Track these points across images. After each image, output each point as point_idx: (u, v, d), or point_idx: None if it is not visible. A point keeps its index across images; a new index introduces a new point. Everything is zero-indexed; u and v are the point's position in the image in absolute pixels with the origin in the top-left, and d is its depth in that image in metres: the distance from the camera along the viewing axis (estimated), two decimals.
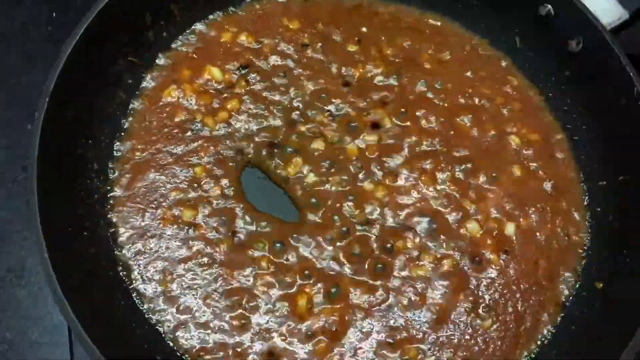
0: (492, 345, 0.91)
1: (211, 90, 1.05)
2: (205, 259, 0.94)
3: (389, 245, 0.95)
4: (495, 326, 0.92)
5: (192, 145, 1.01)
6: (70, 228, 0.88)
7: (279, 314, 0.91)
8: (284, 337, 0.90)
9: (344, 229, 0.96)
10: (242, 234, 0.95)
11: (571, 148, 1.06)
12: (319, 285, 0.92)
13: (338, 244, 0.95)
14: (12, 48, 1.21)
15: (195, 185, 0.98)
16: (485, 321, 0.92)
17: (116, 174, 0.98)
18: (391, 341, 0.90)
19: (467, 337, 0.91)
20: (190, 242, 0.94)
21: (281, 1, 1.13)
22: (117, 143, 1.00)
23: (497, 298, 0.94)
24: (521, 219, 0.99)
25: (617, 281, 0.91)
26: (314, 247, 0.94)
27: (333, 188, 0.98)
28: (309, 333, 0.90)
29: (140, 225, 0.95)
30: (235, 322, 0.90)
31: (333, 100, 1.05)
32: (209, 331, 0.90)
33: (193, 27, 1.10)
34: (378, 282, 0.93)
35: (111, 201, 0.97)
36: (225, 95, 1.04)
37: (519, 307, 0.94)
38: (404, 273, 0.94)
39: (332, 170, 1.00)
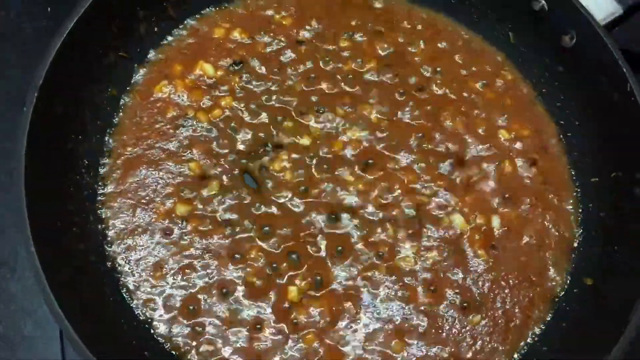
0: (480, 341, 0.91)
1: (203, 86, 1.05)
2: (198, 253, 0.93)
3: (371, 238, 0.95)
4: (484, 322, 0.92)
5: (185, 141, 1.00)
6: (59, 223, 0.88)
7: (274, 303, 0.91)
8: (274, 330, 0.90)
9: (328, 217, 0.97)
10: (236, 227, 0.95)
11: (564, 144, 1.05)
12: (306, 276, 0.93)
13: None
14: (7, 42, 1.21)
15: (190, 180, 0.98)
16: (473, 317, 0.92)
17: (107, 169, 0.98)
18: (379, 334, 0.91)
19: (455, 332, 0.91)
20: (184, 237, 0.94)
21: None
22: (108, 138, 1.00)
23: (485, 293, 0.94)
24: (510, 214, 0.99)
25: (608, 278, 0.91)
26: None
27: (317, 177, 0.99)
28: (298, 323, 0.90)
29: (132, 221, 0.95)
30: (226, 315, 0.90)
31: (323, 96, 1.05)
32: (200, 328, 0.90)
33: (185, 22, 1.10)
34: (362, 272, 0.93)
35: (101, 197, 0.97)
36: (217, 91, 1.04)
37: (509, 303, 0.94)
38: (389, 264, 0.94)
39: (316, 164, 1.00)
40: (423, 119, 1.04)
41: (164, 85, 1.04)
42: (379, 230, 0.96)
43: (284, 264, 0.93)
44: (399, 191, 0.99)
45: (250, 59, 1.07)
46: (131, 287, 0.92)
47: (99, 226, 0.95)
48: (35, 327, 1.02)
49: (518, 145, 1.04)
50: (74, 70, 0.93)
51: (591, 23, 0.96)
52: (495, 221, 0.98)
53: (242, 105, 1.03)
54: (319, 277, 0.92)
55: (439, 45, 1.11)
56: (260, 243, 0.94)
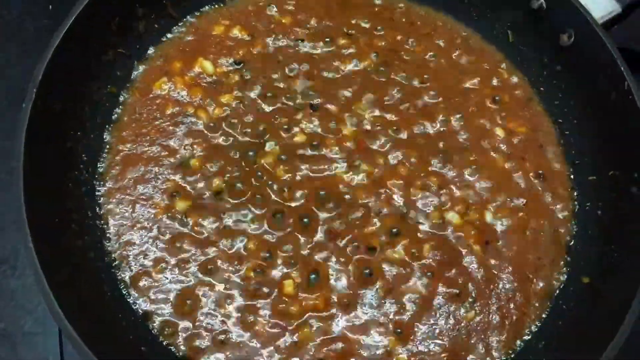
0: (475, 337, 0.91)
1: (202, 84, 1.05)
2: (196, 249, 0.94)
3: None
4: (478, 318, 0.92)
5: (184, 138, 1.01)
6: (57, 220, 0.88)
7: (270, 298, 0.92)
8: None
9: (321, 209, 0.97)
10: (235, 222, 0.96)
11: (562, 142, 1.06)
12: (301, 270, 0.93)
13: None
14: (8, 41, 1.22)
15: (190, 178, 0.98)
16: (468, 312, 0.92)
17: (106, 165, 0.99)
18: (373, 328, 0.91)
19: (449, 327, 0.91)
20: (183, 232, 0.95)
21: None
22: (107, 135, 1.00)
23: (480, 289, 0.94)
24: (506, 211, 0.99)
25: (605, 276, 0.91)
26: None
27: (309, 175, 0.99)
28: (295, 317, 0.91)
29: (131, 217, 0.95)
30: (224, 311, 0.91)
31: (321, 94, 1.05)
32: (197, 322, 0.90)
33: (185, 19, 1.10)
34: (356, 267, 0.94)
35: (100, 193, 0.97)
36: (217, 88, 1.05)
37: (504, 300, 0.94)
38: (381, 257, 0.94)
39: (311, 161, 1.00)
40: (418, 116, 1.04)
41: (163, 82, 1.04)
42: (371, 223, 0.96)
43: (279, 260, 0.93)
44: (392, 186, 0.99)
45: (250, 56, 1.07)
46: (129, 282, 0.92)
47: (98, 222, 0.95)
48: (35, 324, 1.02)
49: (514, 142, 1.04)
50: (73, 67, 0.93)
51: (589, 21, 0.97)
52: (489, 217, 0.98)
53: (241, 102, 1.04)
54: (313, 274, 0.93)
55: (436, 42, 1.11)
56: (254, 232, 0.95)
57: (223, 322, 0.90)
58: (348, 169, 0.99)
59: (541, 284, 0.96)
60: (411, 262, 0.94)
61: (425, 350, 0.90)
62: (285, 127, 1.02)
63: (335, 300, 0.91)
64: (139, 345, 0.87)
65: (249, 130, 1.02)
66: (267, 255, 0.93)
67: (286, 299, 0.91)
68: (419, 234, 0.96)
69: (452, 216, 0.97)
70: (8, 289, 1.04)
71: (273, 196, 0.97)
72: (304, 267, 0.93)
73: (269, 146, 1.01)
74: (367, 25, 1.11)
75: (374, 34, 1.11)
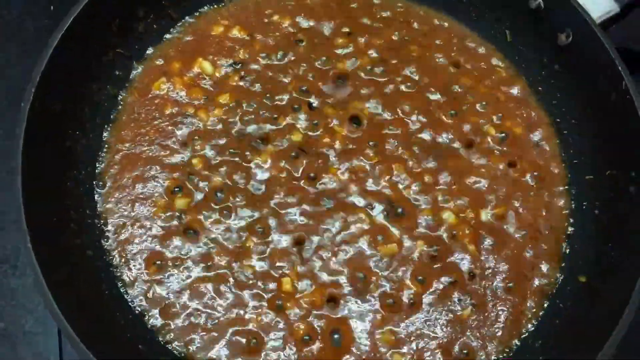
0: (471, 335, 0.91)
1: (202, 84, 1.05)
2: (195, 247, 0.94)
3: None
4: (474, 316, 0.92)
5: (183, 138, 1.01)
6: (56, 219, 0.89)
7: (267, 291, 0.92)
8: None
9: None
10: (234, 220, 0.96)
11: (559, 141, 1.06)
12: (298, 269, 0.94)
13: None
14: (8, 41, 1.22)
15: (189, 177, 0.99)
16: (464, 310, 0.92)
17: (105, 165, 0.99)
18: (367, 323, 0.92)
19: (444, 324, 0.92)
20: (182, 231, 0.95)
21: None
22: (106, 135, 1.01)
23: (476, 287, 0.94)
24: (502, 210, 0.99)
25: (602, 276, 0.92)
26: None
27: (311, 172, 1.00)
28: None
29: (129, 216, 0.96)
30: (221, 307, 0.91)
31: (318, 94, 1.06)
32: (197, 320, 0.91)
33: (184, 20, 1.11)
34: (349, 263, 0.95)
35: (99, 192, 0.98)
36: (216, 88, 1.05)
37: (500, 298, 0.94)
38: (371, 252, 0.95)
39: (308, 160, 1.01)
40: (414, 113, 1.05)
41: (162, 82, 1.05)
42: (362, 217, 0.97)
43: (276, 259, 0.94)
44: (385, 183, 1.00)
45: (249, 56, 1.08)
46: (127, 280, 0.93)
47: (97, 221, 0.96)
48: (35, 324, 1.03)
49: (511, 141, 1.04)
50: (72, 67, 0.94)
51: (587, 21, 0.97)
52: (485, 216, 0.98)
53: (240, 102, 1.04)
54: (309, 272, 0.94)
55: (435, 42, 1.12)
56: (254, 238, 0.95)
57: (221, 319, 0.90)
58: (339, 165, 1.00)
59: (537, 283, 0.96)
60: (406, 258, 0.95)
61: (420, 347, 0.90)
62: (283, 125, 1.03)
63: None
64: (137, 343, 0.88)
65: (248, 129, 1.02)
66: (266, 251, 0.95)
67: (284, 295, 0.92)
68: (414, 232, 0.97)
69: (448, 215, 0.98)
70: (8, 288, 1.05)
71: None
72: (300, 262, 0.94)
73: (267, 145, 1.01)
74: (365, 25, 1.12)
75: (372, 33, 1.11)
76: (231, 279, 0.92)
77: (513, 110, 1.07)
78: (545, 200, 1.01)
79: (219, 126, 1.02)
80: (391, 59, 1.09)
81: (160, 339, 0.90)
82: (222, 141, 1.01)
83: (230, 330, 0.90)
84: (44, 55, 0.89)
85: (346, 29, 1.11)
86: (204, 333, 0.90)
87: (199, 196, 0.97)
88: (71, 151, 0.95)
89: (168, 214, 0.96)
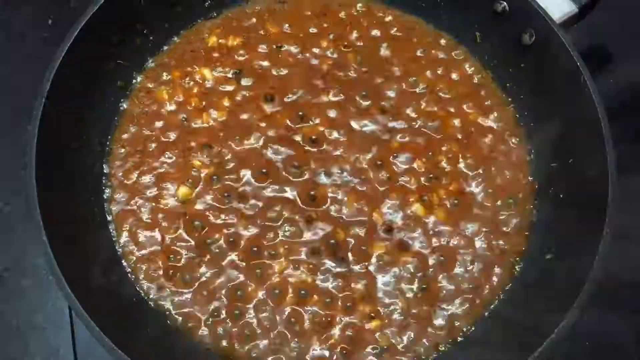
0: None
1: (202, 91, 1.08)
2: (201, 242, 0.99)
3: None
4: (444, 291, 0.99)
5: (185, 144, 1.04)
6: (67, 221, 0.91)
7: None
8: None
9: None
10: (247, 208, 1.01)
11: (525, 134, 1.11)
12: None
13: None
14: (11, 52, 1.26)
15: (192, 180, 1.02)
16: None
17: (108, 172, 1.03)
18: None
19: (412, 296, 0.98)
20: (189, 221, 1.00)
21: (264, 7, 1.17)
22: (109, 143, 1.05)
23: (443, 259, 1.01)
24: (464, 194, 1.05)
25: (564, 252, 0.97)
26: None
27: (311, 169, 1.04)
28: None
29: (137, 216, 1.00)
30: (227, 302, 0.96)
31: (312, 93, 1.10)
32: (204, 306, 0.95)
33: (181, 32, 1.14)
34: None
35: (106, 196, 1.02)
36: (215, 96, 1.08)
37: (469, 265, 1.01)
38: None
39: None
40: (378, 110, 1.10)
41: (163, 90, 1.08)
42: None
43: (275, 247, 0.99)
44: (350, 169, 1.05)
45: (246, 64, 1.11)
46: (138, 274, 0.98)
47: (106, 219, 1.01)
48: (46, 320, 1.06)
49: (473, 132, 1.10)
50: (75, 79, 0.96)
51: (546, 21, 1.01)
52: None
53: (240, 107, 1.07)
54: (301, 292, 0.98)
55: (410, 43, 1.16)
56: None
57: (243, 314, 0.96)
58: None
59: (499, 270, 1.02)
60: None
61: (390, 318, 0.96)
62: (284, 127, 1.07)
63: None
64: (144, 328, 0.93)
65: (248, 135, 1.05)
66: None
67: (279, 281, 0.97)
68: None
69: (417, 208, 1.03)
70: (20, 286, 1.08)
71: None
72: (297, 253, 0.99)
73: (268, 147, 1.05)
74: (346, 28, 1.16)
75: (352, 35, 1.15)
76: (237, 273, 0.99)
77: (480, 104, 1.12)
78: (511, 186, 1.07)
79: (220, 131, 1.06)
80: (366, 58, 1.14)
81: (171, 324, 0.96)
82: (223, 146, 1.05)
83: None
84: (51, 67, 0.91)
85: (329, 34, 1.15)
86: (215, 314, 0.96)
87: (201, 198, 1.02)
88: (78, 156, 0.99)
89: (173, 214, 1.00)
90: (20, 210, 1.13)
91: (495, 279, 1.00)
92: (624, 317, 1.09)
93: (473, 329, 0.98)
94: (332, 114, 1.08)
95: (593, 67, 0.99)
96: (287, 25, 1.15)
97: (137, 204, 1.01)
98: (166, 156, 1.04)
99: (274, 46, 1.13)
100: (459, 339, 0.97)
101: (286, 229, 1.00)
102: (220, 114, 1.07)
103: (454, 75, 1.14)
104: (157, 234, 0.99)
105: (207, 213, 1.00)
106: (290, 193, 1.02)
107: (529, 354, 0.83)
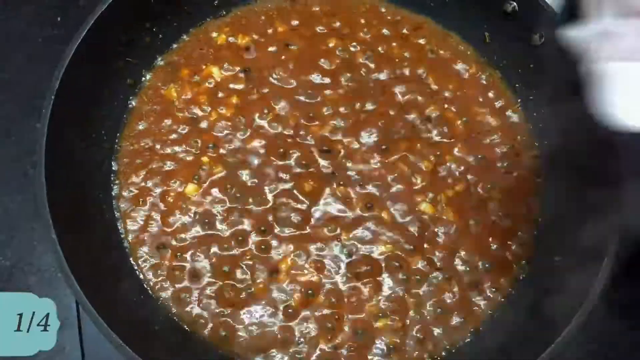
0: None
1: (211, 88, 1.09)
2: (210, 241, 0.99)
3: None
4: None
5: (194, 141, 1.05)
6: (76, 218, 0.92)
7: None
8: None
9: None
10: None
11: (534, 135, 1.11)
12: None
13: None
14: (17, 51, 1.25)
15: (200, 178, 1.03)
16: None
17: (117, 170, 1.03)
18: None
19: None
20: (198, 217, 1.00)
21: (273, 6, 1.17)
22: (118, 141, 1.05)
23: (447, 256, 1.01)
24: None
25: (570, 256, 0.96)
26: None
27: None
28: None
29: (144, 214, 1.01)
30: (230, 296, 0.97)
31: (315, 90, 1.10)
32: (210, 300, 0.96)
33: (190, 30, 1.14)
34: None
35: (114, 194, 1.03)
36: (224, 93, 1.08)
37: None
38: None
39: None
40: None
41: (172, 88, 1.08)
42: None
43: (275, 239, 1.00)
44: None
45: (255, 62, 1.11)
46: (147, 273, 0.99)
47: (113, 215, 1.01)
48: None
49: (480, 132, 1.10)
50: (85, 76, 0.95)
51: (555, 21, 1.01)
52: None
53: (248, 104, 1.07)
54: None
55: (417, 41, 1.16)
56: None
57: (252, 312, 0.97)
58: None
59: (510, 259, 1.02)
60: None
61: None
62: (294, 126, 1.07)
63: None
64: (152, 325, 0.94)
65: (259, 131, 1.06)
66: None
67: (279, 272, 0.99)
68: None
69: (425, 207, 1.03)
70: (26, 284, 1.09)
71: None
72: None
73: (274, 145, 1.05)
74: (355, 26, 1.16)
75: (361, 33, 1.15)
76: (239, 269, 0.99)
77: (491, 108, 1.12)
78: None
79: (229, 129, 1.06)
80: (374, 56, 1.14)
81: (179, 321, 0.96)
82: (232, 143, 1.06)
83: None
84: (60, 66, 0.91)
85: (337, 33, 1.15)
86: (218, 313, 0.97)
87: (208, 194, 1.02)
88: (87, 155, 0.99)
89: (181, 212, 1.01)
90: (26, 208, 1.13)
91: (502, 280, 1.01)
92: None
93: (481, 329, 0.99)
94: (342, 110, 1.09)
95: None
96: (296, 23, 1.16)
97: (145, 201, 1.01)
98: (174, 153, 1.04)
99: (283, 45, 1.13)
100: (467, 339, 0.98)
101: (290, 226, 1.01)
102: (229, 112, 1.07)
103: (462, 75, 1.14)
104: (165, 231, 1.00)
105: (215, 210, 1.01)
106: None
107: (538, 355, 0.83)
